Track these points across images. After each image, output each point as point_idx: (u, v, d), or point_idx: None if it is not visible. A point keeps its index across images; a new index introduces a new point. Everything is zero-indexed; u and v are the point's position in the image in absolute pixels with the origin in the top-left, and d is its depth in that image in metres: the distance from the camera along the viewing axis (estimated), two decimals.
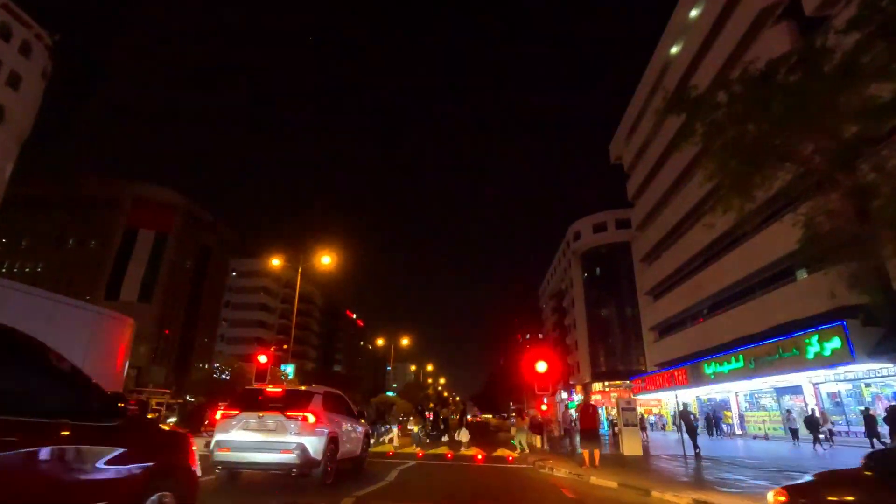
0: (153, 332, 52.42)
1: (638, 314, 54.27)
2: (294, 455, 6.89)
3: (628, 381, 44.79)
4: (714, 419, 26.68)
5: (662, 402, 37.51)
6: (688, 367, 27.73)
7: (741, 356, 22.40)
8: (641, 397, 40.56)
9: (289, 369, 28.42)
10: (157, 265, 53.80)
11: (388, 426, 22.94)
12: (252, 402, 7.58)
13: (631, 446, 13.45)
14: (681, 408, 14.95)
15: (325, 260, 28.14)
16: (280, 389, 8.10)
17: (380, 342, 61.59)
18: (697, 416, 31.01)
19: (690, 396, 31.87)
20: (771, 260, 20.94)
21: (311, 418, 7.27)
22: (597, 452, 10.06)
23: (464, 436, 19.49)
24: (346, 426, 8.68)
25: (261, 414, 7.22)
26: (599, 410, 9.92)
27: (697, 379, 26.92)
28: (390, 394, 63.59)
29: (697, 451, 12.99)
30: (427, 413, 45.74)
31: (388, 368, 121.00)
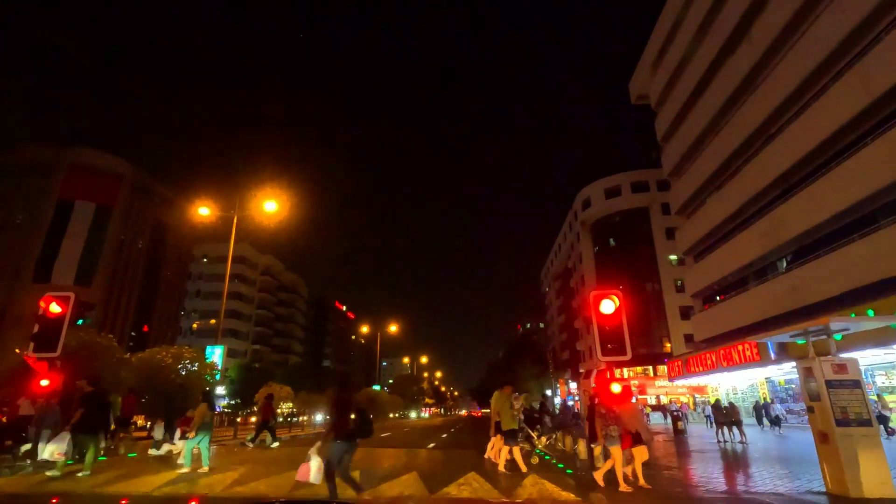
0: (96, 319, 44.59)
1: (660, 289, 47.22)
2: None
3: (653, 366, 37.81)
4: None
5: (709, 388, 30.23)
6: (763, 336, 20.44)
7: (870, 310, 15.07)
8: (663, 385, 33.56)
9: (216, 352, 20.65)
10: (100, 243, 45.89)
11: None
12: None
13: (873, 473, 5.61)
14: None
15: (270, 206, 21.08)
16: None
17: (364, 329, 54.13)
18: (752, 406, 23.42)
19: (756, 378, 24.61)
20: None
21: None
22: None
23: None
24: None
25: None
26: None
27: (780, 352, 19.55)
28: (377, 387, 56.46)
29: None
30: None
31: (384, 364, 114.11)
